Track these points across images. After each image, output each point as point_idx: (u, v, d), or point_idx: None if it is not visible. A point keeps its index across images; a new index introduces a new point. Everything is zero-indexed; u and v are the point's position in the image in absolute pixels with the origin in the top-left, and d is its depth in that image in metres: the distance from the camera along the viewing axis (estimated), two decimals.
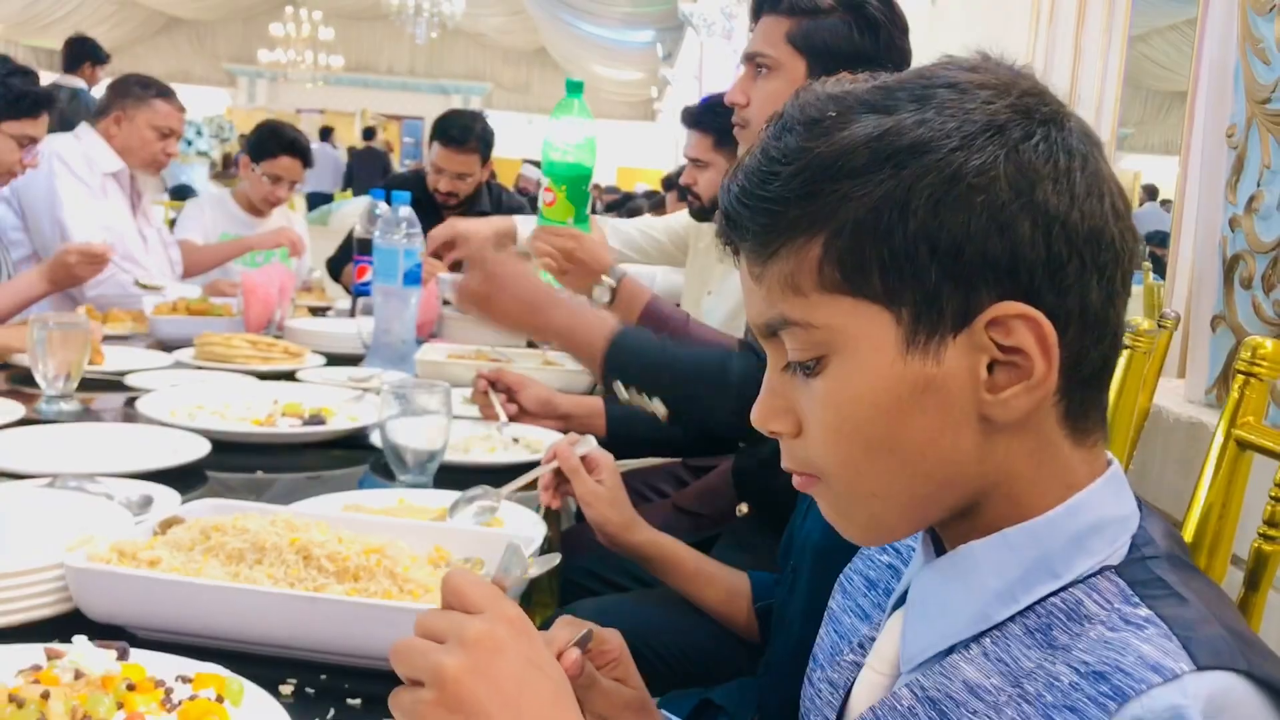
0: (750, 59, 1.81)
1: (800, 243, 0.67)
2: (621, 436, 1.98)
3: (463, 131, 3.79)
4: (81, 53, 6.83)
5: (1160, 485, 1.77)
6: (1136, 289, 4.73)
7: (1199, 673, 0.59)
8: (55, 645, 0.91)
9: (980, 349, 0.66)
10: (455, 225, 2.78)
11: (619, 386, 1.69)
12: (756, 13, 1.82)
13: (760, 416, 0.73)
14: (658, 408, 1.68)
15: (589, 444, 1.44)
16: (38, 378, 1.90)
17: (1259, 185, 1.70)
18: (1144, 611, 0.63)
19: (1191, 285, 2.02)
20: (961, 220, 0.64)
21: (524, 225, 2.96)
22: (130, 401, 1.96)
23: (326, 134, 15.11)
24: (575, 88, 2.08)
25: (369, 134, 15.93)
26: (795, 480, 0.74)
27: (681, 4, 10.64)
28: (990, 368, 0.66)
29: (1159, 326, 1.66)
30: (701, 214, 2.90)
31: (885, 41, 1.72)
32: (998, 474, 0.68)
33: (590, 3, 15.13)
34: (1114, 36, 2.96)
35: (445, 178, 3.82)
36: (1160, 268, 2.69)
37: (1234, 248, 1.73)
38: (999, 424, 0.67)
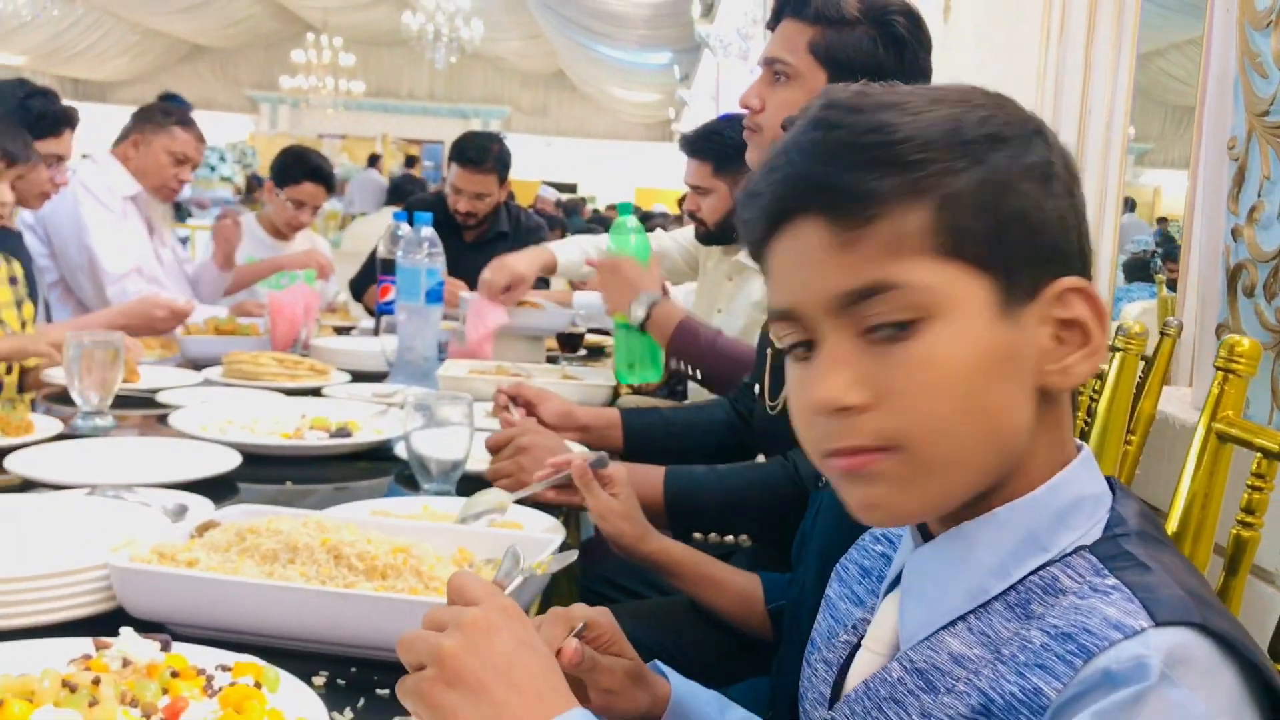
0: (769, 64, 1.77)
1: (904, 208, 0.70)
2: (639, 448, 2.02)
3: (480, 152, 3.85)
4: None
5: (1166, 490, 1.80)
6: (1150, 302, 4.72)
7: (1158, 628, 0.63)
8: (103, 638, 0.97)
9: (1044, 321, 0.72)
10: (506, 265, 2.84)
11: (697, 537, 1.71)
12: (777, 15, 1.78)
13: (839, 390, 0.71)
14: (743, 541, 1.72)
15: (602, 459, 1.48)
16: (73, 394, 1.96)
17: (1259, 196, 1.74)
18: (1111, 580, 0.68)
19: (1197, 294, 2.05)
20: (1042, 204, 0.72)
21: (561, 251, 3.02)
22: (162, 418, 2.02)
23: (374, 160, 15.62)
24: (626, 208, 2.44)
25: (410, 162, 16.34)
26: (851, 461, 0.72)
27: (698, 26, 10.72)
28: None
29: (1162, 334, 1.69)
30: (708, 238, 2.94)
31: (909, 59, 1.69)
32: (1030, 448, 0.74)
33: (607, 26, 15.25)
34: (1123, 52, 2.99)
35: (464, 198, 3.88)
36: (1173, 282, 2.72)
37: (1236, 257, 1.77)
38: (1052, 395, 0.73)
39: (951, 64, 3.35)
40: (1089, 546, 0.72)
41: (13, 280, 2.64)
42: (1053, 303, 0.72)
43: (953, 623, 0.74)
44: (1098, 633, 0.65)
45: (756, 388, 1.96)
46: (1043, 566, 0.72)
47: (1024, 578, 0.72)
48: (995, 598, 0.72)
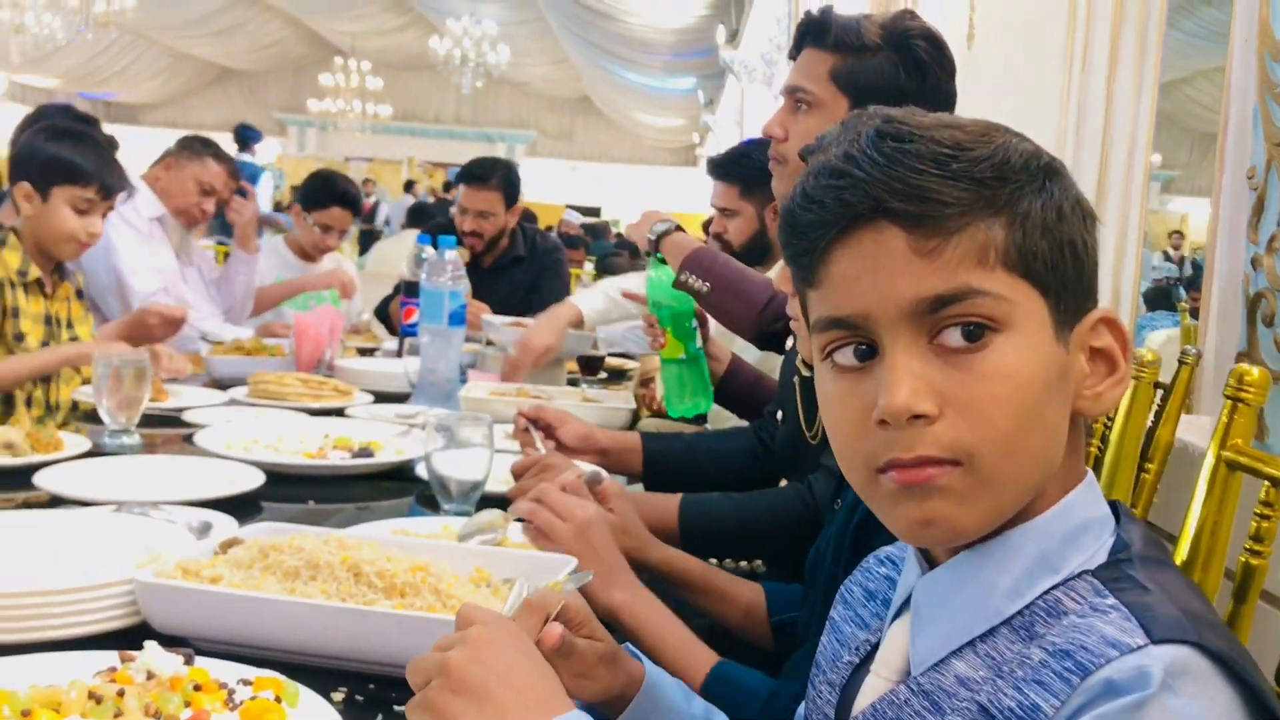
0: (791, 93, 1.77)
1: (987, 220, 0.72)
2: (658, 472, 2.03)
3: (484, 169, 3.91)
4: (245, 136, 9.29)
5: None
6: (1174, 330, 4.69)
7: (1155, 646, 0.65)
8: (129, 651, 0.99)
9: (1081, 348, 0.75)
10: (530, 345, 2.80)
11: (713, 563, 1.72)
12: (799, 44, 1.78)
13: (911, 398, 0.71)
14: (757, 566, 1.73)
15: (596, 476, 1.49)
16: (101, 413, 2.00)
17: (1278, 225, 1.74)
18: (1110, 601, 0.69)
19: (1217, 323, 2.06)
20: (1083, 236, 0.76)
21: (584, 302, 3.02)
22: (188, 436, 2.05)
23: (410, 186, 15.93)
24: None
25: (447, 187, 16.62)
26: (913, 474, 0.72)
27: (723, 51, 10.79)
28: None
29: (1180, 363, 1.70)
30: None
31: (931, 84, 1.69)
32: (1060, 470, 0.75)
33: (633, 51, 15.35)
34: (1146, 79, 3.00)
35: (469, 217, 3.90)
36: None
37: (1256, 286, 1.77)
38: (1081, 419, 0.77)
39: (975, 89, 3.37)
40: (1092, 570, 0.73)
41: (79, 293, 2.70)
42: (1088, 331, 0.76)
43: (961, 647, 0.75)
44: (1094, 650, 0.66)
45: (779, 414, 1.97)
46: (1050, 589, 0.73)
47: (1032, 601, 0.73)
48: (1004, 621, 0.73)
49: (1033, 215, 0.73)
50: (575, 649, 0.94)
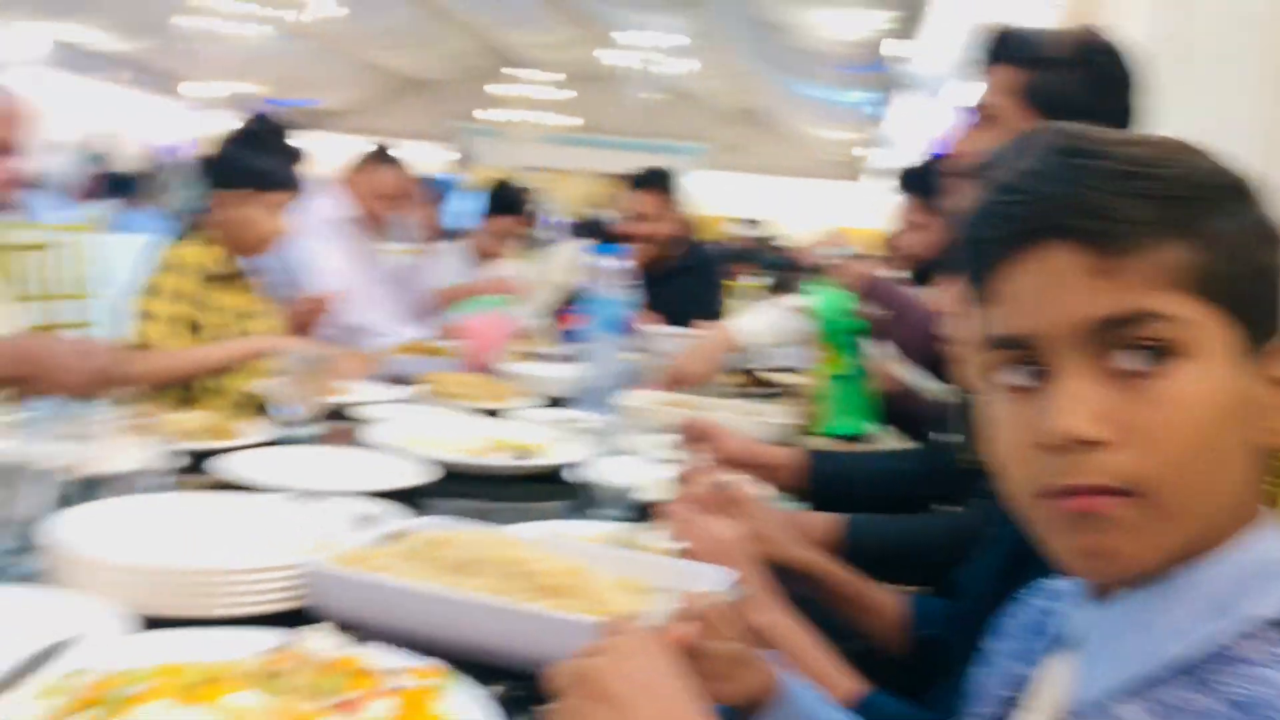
0: (977, 109, 1.75)
1: (1168, 242, 0.69)
2: (822, 490, 1.98)
3: (649, 175, 4.11)
4: (465, 154, 9.53)
5: None
6: None
7: None
8: (294, 630, 1.02)
9: (1266, 379, 0.71)
10: (684, 375, 2.77)
11: None
12: (984, 58, 1.76)
13: (1080, 423, 0.68)
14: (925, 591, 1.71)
15: (726, 483, 1.46)
16: (280, 404, 2.08)
17: None
18: None
19: None
20: (1274, 260, 0.72)
21: (744, 325, 3.01)
22: (362, 430, 2.12)
23: (606, 201, 16.74)
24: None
25: None
26: (1085, 502, 0.69)
27: (897, 65, 10.64)
28: None
29: None
30: (918, 276, 2.91)
31: (1119, 100, 1.64)
32: (1235, 506, 0.71)
33: (807, 64, 15.28)
34: None
35: (633, 220, 4.06)
36: None
37: None
38: (1261, 452, 0.72)
39: (1165, 108, 3.23)
40: (1274, 618, 0.68)
41: (256, 289, 2.85)
42: (1274, 360, 0.71)
43: (1124, 689, 0.71)
44: (1275, 706, 0.62)
45: (947, 438, 1.91)
46: (1225, 636, 0.68)
47: (1203, 644, 0.68)
48: (1172, 666, 0.69)
49: (1219, 237, 0.69)
50: (706, 650, 0.94)
